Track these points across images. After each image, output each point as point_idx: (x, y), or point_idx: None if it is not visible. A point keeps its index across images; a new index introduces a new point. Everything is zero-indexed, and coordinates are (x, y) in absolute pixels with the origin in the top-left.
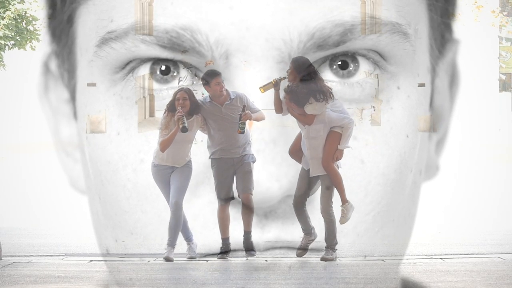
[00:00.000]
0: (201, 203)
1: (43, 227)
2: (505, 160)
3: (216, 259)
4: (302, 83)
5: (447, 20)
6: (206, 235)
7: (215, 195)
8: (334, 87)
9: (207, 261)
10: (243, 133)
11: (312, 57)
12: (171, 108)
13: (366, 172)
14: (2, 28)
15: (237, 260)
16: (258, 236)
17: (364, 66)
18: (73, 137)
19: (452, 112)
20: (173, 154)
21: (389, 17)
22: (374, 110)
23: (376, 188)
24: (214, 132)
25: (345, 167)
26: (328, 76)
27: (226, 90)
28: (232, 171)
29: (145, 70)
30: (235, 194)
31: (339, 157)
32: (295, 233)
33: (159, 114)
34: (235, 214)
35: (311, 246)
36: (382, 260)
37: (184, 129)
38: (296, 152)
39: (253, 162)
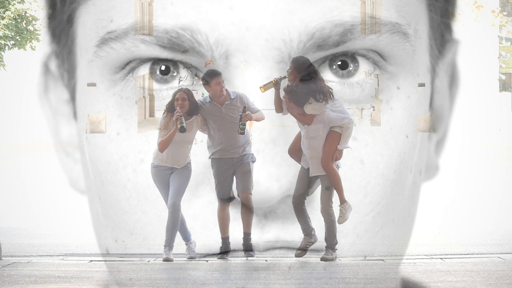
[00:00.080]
0: (201, 203)
1: (43, 227)
2: (505, 160)
3: (216, 259)
4: (302, 83)
5: (447, 20)
6: (206, 235)
7: (215, 195)
8: (334, 87)
9: (207, 261)
10: (243, 133)
11: (312, 57)
12: (170, 108)
13: (366, 173)
14: (2, 28)
15: (237, 260)
16: (258, 236)
17: (364, 66)
18: (73, 137)
19: (452, 112)
20: (172, 155)
21: (389, 17)
22: (374, 110)
23: (375, 189)
24: (214, 132)
25: (345, 167)
26: (328, 76)
27: (226, 90)
28: (231, 171)
29: (145, 70)
30: (235, 194)
31: (338, 157)
32: (294, 233)
33: (159, 114)
34: (235, 214)
35: (311, 246)
36: (382, 260)
37: (182, 129)
38: (295, 151)
39: (253, 162)
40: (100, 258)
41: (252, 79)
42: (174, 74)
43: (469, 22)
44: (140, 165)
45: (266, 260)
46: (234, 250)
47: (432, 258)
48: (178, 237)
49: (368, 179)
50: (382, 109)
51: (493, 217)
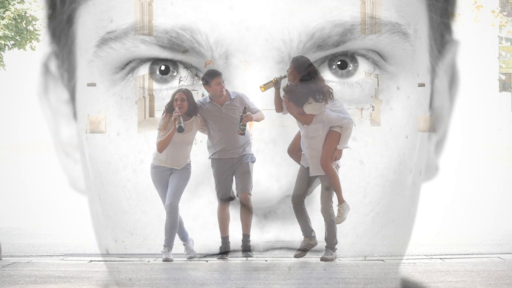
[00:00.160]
0: (201, 204)
1: (43, 227)
2: (505, 160)
3: (216, 259)
4: (302, 83)
5: (447, 20)
6: (206, 236)
7: (215, 195)
8: (333, 87)
9: (207, 261)
10: (244, 134)
11: (311, 57)
12: (169, 109)
13: (365, 173)
14: (2, 28)
15: (237, 260)
16: (258, 236)
17: (363, 66)
18: (73, 138)
19: (451, 112)
20: (172, 156)
21: (388, 17)
22: (374, 110)
23: (375, 189)
24: (214, 133)
25: (345, 167)
26: (328, 76)
27: (226, 90)
28: (231, 171)
29: (144, 70)
30: (235, 194)
31: (337, 157)
32: (294, 234)
33: (159, 114)
34: (235, 215)
35: (311, 248)
36: (382, 260)
37: (180, 129)
38: (294, 151)
39: (253, 162)
40: (100, 258)
41: (252, 79)
42: (174, 74)
43: (469, 22)
44: (140, 165)
45: (266, 260)
46: (234, 250)
47: (432, 258)
48: (178, 237)
49: (368, 180)
50: (382, 109)
51: (493, 217)
